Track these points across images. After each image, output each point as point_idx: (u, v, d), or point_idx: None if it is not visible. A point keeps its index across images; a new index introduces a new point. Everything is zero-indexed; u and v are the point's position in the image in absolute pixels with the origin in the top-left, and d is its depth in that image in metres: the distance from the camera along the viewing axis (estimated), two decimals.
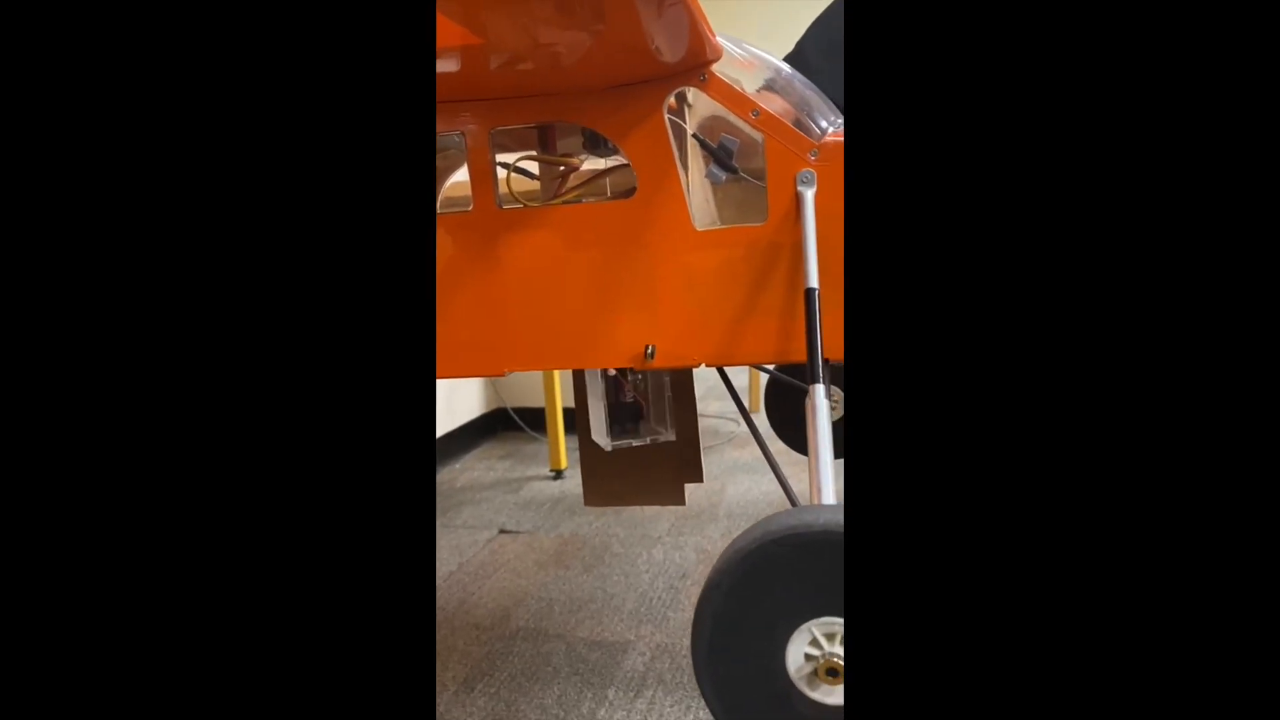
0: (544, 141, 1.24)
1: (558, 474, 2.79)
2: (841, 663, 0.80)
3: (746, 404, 2.58)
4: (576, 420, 1.46)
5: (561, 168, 1.26)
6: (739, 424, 3.17)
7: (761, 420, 2.09)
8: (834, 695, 0.81)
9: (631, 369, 1.27)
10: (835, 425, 1.62)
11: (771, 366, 1.64)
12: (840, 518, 0.78)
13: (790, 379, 1.54)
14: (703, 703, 1.43)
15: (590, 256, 1.15)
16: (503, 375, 1.21)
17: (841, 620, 0.80)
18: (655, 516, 2.34)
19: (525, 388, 3.24)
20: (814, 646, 0.81)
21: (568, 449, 2.80)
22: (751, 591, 0.81)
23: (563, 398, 2.81)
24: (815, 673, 0.81)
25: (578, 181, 1.27)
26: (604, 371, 1.28)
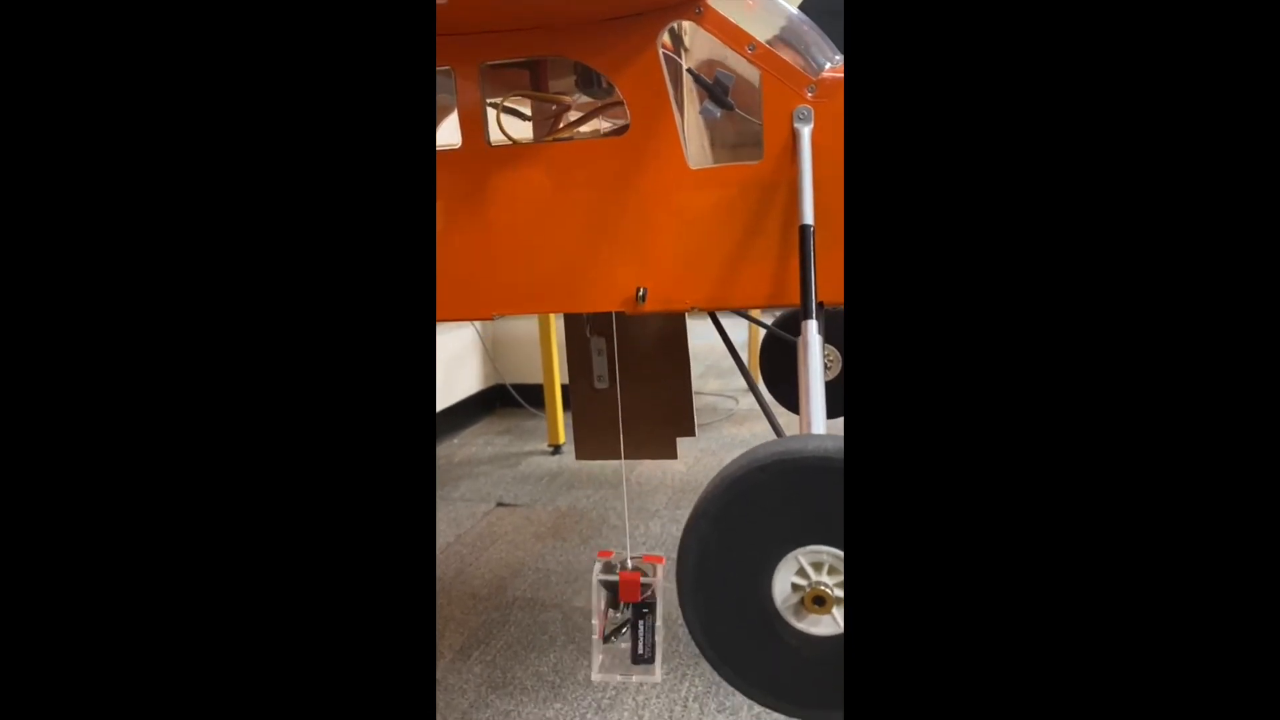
0: (536, 80, 1.21)
1: (556, 449, 2.78)
2: (827, 590, 0.78)
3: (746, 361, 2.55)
4: (569, 370, 1.43)
5: (554, 106, 1.23)
6: (737, 401, 3.17)
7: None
8: (820, 625, 0.79)
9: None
10: (831, 385, 1.60)
11: (770, 323, 1.62)
12: (827, 445, 0.76)
13: (787, 335, 1.51)
14: (699, 670, 1.42)
15: (581, 196, 1.12)
16: (490, 319, 1.18)
17: (827, 548, 0.78)
18: (653, 490, 2.32)
19: (524, 365, 3.24)
20: (800, 576, 0.79)
21: (565, 425, 2.79)
22: (737, 519, 0.79)
23: (561, 375, 2.79)
24: (801, 602, 0.79)
25: (570, 121, 1.24)
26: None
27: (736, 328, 2.20)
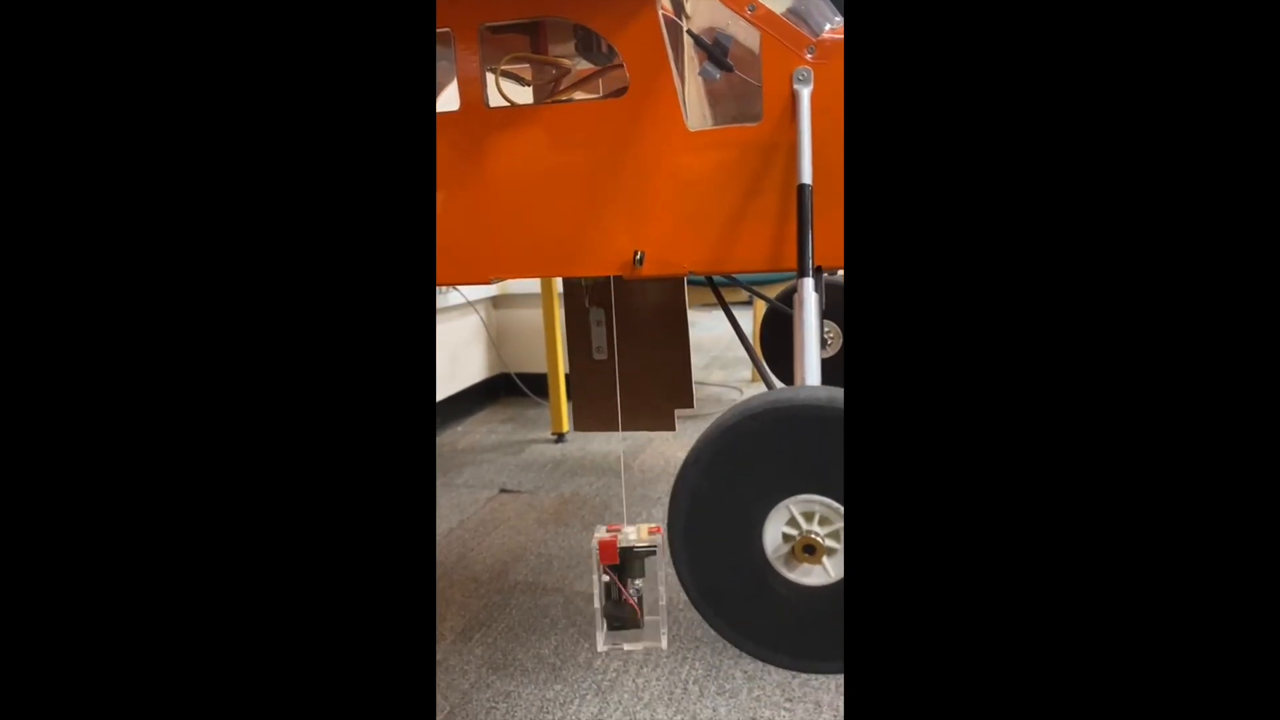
0: (535, 43, 1.21)
1: (559, 437, 2.78)
2: (818, 539, 0.76)
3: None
4: (568, 341, 1.42)
5: (554, 71, 1.22)
6: (741, 392, 3.18)
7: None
8: (811, 575, 0.78)
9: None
10: (831, 361, 1.59)
11: (773, 296, 1.61)
12: (820, 394, 0.75)
13: (786, 308, 1.50)
14: (699, 654, 1.41)
15: (580, 158, 1.11)
16: (489, 283, 1.18)
17: (819, 497, 0.77)
18: (656, 477, 2.32)
19: (528, 354, 3.25)
20: (791, 526, 0.78)
21: (569, 414, 2.79)
22: (729, 468, 0.78)
23: (565, 364, 2.79)
24: (792, 552, 0.78)
25: (569, 85, 1.24)
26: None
27: (741, 323, 2.21)
